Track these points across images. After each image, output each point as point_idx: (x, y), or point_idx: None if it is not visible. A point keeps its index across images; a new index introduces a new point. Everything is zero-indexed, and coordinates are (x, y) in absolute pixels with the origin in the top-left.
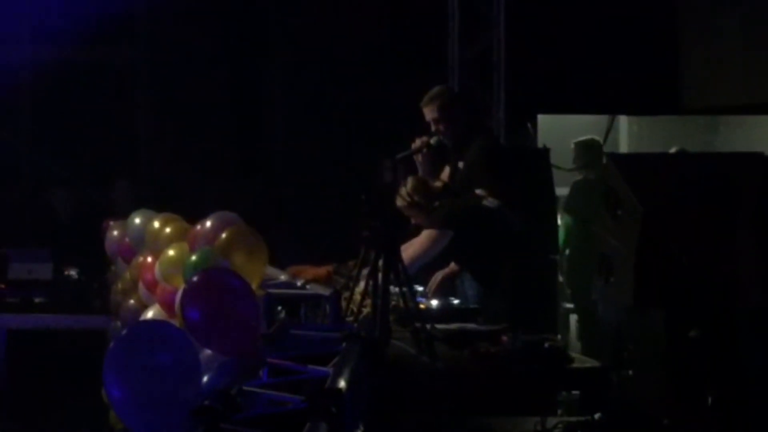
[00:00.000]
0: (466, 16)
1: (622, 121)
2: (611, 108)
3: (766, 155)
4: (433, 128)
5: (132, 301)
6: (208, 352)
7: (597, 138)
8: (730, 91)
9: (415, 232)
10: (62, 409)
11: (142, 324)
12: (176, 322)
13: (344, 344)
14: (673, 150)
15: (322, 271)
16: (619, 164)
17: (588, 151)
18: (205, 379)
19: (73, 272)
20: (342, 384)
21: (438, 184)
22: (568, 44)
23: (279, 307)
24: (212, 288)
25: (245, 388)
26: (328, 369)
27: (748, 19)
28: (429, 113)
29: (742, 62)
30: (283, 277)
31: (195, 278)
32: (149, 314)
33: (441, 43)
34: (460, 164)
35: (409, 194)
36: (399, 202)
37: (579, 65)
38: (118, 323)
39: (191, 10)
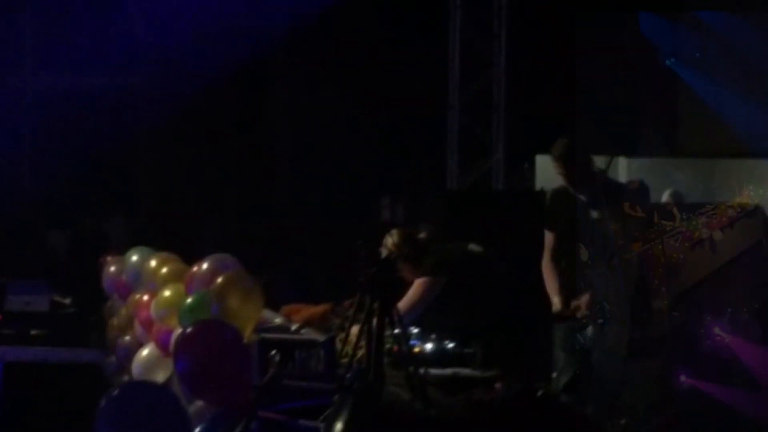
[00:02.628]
0: (466, 56)
1: (621, 162)
2: (609, 149)
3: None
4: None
5: (128, 338)
6: (199, 403)
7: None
8: (728, 137)
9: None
10: None
11: (132, 385)
12: (170, 361)
13: (336, 397)
14: (667, 192)
15: (318, 309)
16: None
17: None
18: (197, 431)
19: (67, 301)
20: None
21: (422, 234)
22: (567, 85)
23: (273, 351)
24: (204, 340)
25: None
26: (319, 425)
27: (748, 67)
28: (557, 168)
29: (741, 109)
30: (278, 320)
31: (188, 330)
32: (144, 352)
33: (442, 83)
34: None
35: (396, 246)
36: (384, 254)
37: (578, 105)
38: (113, 358)
39: (195, 43)
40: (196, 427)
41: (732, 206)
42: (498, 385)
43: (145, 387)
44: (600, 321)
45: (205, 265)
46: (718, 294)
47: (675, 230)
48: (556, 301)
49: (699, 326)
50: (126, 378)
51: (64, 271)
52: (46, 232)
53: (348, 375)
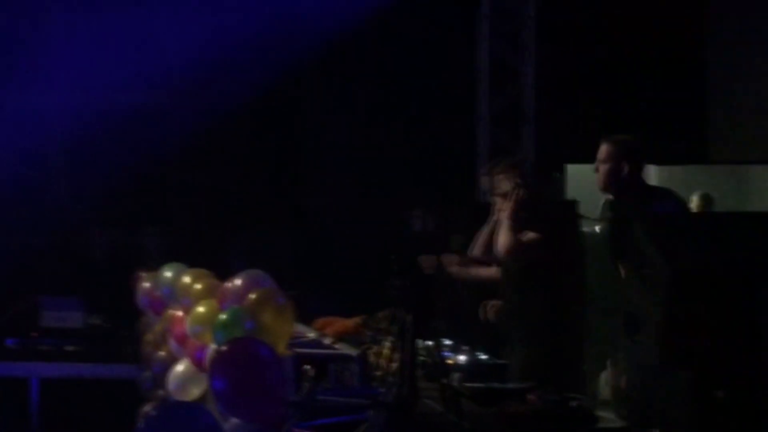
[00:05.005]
0: (495, 67)
1: (652, 170)
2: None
3: None
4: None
5: (162, 353)
6: (235, 420)
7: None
8: (759, 142)
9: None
10: None
11: (170, 405)
12: (205, 377)
13: (370, 412)
14: (696, 195)
15: (350, 322)
16: (645, 222)
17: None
18: None
19: (98, 321)
20: None
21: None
22: (596, 94)
23: (307, 366)
24: (240, 358)
25: None
26: None
27: None
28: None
29: None
30: (311, 335)
31: (223, 347)
32: (179, 368)
33: (471, 94)
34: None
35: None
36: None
37: (607, 114)
38: (148, 373)
39: (226, 58)
40: None
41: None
42: (531, 397)
43: (181, 406)
44: (631, 331)
45: (237, 281)
46: (745, 326)
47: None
48: None
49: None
50: (161, 393)
51: (100, 285)
52: (86, 235)
53: (382, 389)
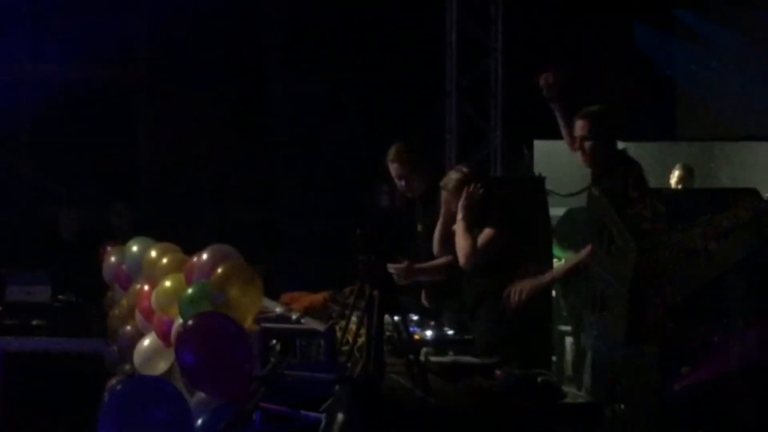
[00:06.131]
0: (464, 42)
1: (620, 145)
2: None
3: (758, 192)
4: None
5: (129, 328)
6: (201, 395)
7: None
8: (725, 120)
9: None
10: None
11: (136, 380)
12: (172, 351)
13: (337, 388)
14: (678, 166)
15: (317, 297)
16: (611, 198)
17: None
18: (198, 422)
19: (65, 296)
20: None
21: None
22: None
23: (274, 341)
24: (206, 333)
25: None
26: (321, 415)
27: (744, 49)
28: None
29: (737, 92)
30: (278, 309)
31: (190, 322)
32: (145, 342)
33: (439, 70)
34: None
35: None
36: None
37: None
38: (115, 348)
39: (193, 33)
40: (198, 419)
41: (727, 217)
42: (498, 372)
43: (147, 380)
44: (599, 307)
45: (204, 256)
46: (713, 305)
47: (669, 241)
48: None
49: (695, 337)
50: (127, 367)
51: (67, 259)
52: (54, 209)
53: (348, 364)
